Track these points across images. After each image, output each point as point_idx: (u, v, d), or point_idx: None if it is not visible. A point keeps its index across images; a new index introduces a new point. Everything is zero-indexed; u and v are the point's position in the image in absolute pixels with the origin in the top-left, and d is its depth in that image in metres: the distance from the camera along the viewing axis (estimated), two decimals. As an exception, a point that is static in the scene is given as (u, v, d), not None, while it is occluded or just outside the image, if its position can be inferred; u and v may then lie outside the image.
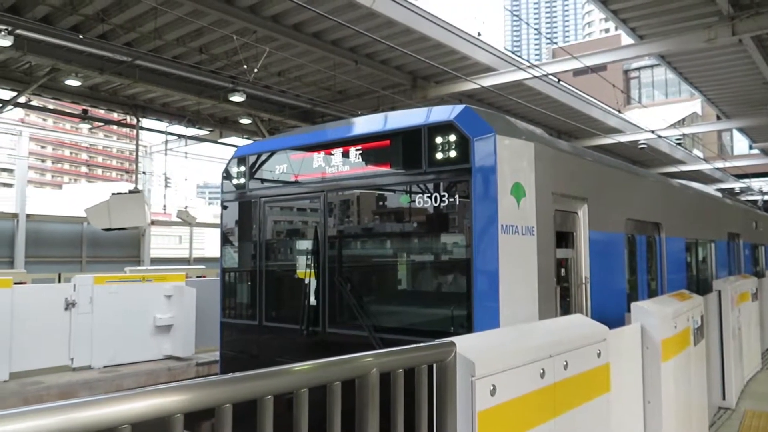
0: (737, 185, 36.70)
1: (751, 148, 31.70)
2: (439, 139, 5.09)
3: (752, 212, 16.63)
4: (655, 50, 14.37)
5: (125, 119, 19.76)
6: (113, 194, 17.76)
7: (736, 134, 36.37)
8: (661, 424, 4.28)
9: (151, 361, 10.50)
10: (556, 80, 16.43)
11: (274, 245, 6.90)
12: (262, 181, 6.80)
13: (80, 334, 9.85)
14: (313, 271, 6.03)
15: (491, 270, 4.78)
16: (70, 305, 9.82)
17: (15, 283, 9.46)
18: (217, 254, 7.52)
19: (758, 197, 37.27)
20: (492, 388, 2.50)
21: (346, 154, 5.88)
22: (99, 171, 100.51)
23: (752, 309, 9.29)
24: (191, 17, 12.07)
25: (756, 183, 37.13)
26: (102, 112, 20.28)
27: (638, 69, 53.50)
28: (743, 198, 34.05)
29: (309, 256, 6.09)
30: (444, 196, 5.11)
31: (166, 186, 24.94)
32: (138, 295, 10.65)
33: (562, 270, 5.82)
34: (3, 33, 11.08)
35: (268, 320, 6.58)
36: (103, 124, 21.83)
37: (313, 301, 6.03)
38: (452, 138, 5.02)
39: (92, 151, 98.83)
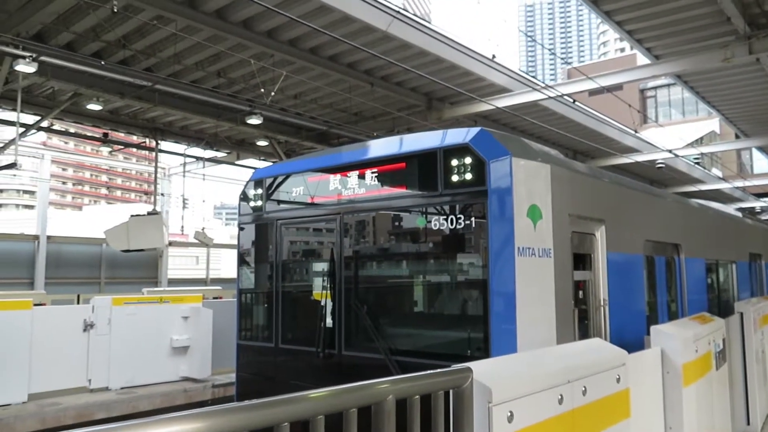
0: (758, 204, 36.17)
1: (771, 166, 31.31)
2: (454, 162, 5.11)
3: (774, 232, 16.36)
4: (672, 70, 14.33)
5: (144, 142, 20.06)
6: (132, 216, 17.96)
7: (756, 153, 35.96)
8: (683, 451, 4.19)
9: (167, 383, 10.51)
10: (572, 101, 16.42)
11: (290, 267, 6.93)
12: (279, 203, 6.86)
13: (98, 356, 9.91)
14: (329, 293, 6.03)
15: (508, 292, 4.76)
16: (88, 327, 9.90)
17: (34, 305, 9.57)
18: (234, 275, 7.57)
19: (780, 216, 36.68)
20: (509, 414, 2.47)
21: (362, 177, 5.91)
22: (118, 193, 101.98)
23: (776, 331, 9.09)
24: (210, 42, 12.30)
25: (777, 202, 36.57)
26: (122, 135, 20.60)
27: (655, 88, 53.28)
28: (765, 217, 33.55)
29: (325, 278, 6.10)
30: (460, 218, 5.11)
31: (184, 207, 25.17)
32: (155, 317, 10.71)
33: (580, 292, 5.76)
34: (28, 60, 11.37)
35: (284, 342, 6.58)
36: (123, 146, 22.17)
37: (329, 323, 6.02)
38: (468, 160, 5.03)
39: (112, 173, 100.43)
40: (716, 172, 35.79)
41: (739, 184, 33.39)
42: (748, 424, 7.03)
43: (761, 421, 7.24)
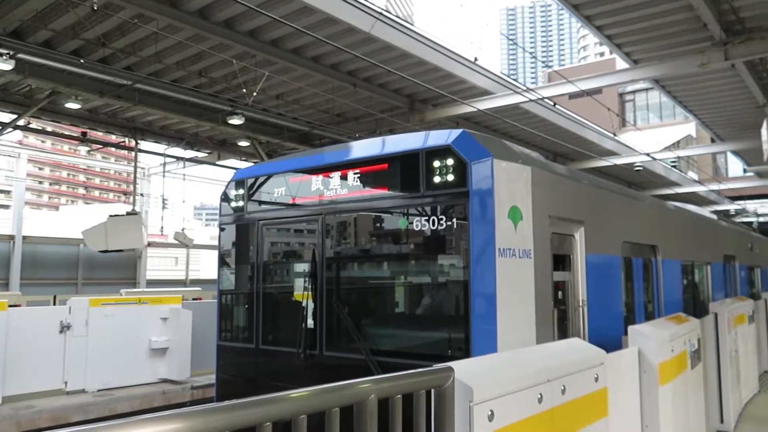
0: (732, 207, 36.88)
1: (745, 171, 31.95)
2: (436, 163, 5.14)
3: (747, 234, 16.70)
4: (650, 74, 14.55)
5: (124, 141, 19.83)
6: (110, 216, 17.74)
7: (731, 156, 36.66)
8: (659, 449, 4.26)
9: (145, 385, 10.41)
10: (552, 104, 16.60)
11: (271, 268, 6.91)
12: (261, 203, 6.83)
13: (74, 358, 9.78)
14: (310, 293, 6.02)
15: (489, 293, 4.80)
16: (65, 328, 9.76)
17: (9, 306, 9.41)
18: (214, 276, 7.52)
19: (753, 219, 37.45)
20: (490, 413, 2.50)
21: (344, 178, 5.92)
22: (96, 193, 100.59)
23: (749, 331, 9.29)
24: (191, 41, 12.20)
25: (751, 205, 37.34)
26: (101, 134, 20.33)
27: (633, 92, 54.03)
28: (738, 220, 34.21)
29: (306, 279, 6.09)
30: (442, 219, 5.14)
31: (164, 208, 24.90)
32: (133, 318, 10.59)
33: (560, 293, 5.83)
34: (5, 57, 11.18)
35: (265, 343, 6.56)
36: (101, 146, 21.88)
37: (310, 323, 6.01)
38: (450, 162, 5.07)
39: (90, 173, 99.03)
40: (692, 175, 36.40)
41: (714, 187, 34.00)
42: (722, 422, 7.17)
43: (734, 419, 7.39)
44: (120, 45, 12.78)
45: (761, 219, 38.95)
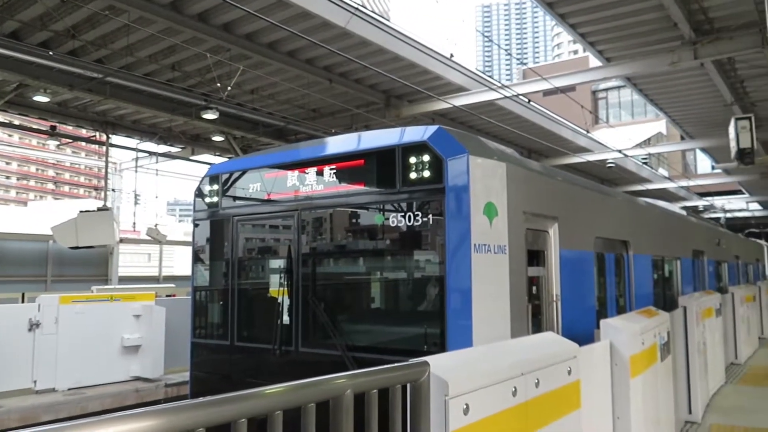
0: (701, 203, 37.71)
1: (713, 168, 32.68)
2: (412, 159, 5.16)
3: (715, 230, 17.09)
4: (622, 72, 14.78)
5: (94, 136, 19.46)
6: (81, 212, 17.41)
7: (700, 154, 37.45)
8: (630, 440, 4.34)
9: (118, 383, 10.25)
10: (527, 100, 16.75)
11: (246, 264, 6.86)
12: (235, 199, 6.77)
13: (44, 356, 9.58)
14: (286, 289, 6.00)
15: (464, 288, 4.83)
16: (33, 326, 9.55)
17: (-23, 304, 9.19)
18: (188, 273, 7.43)
19: (721, 215, 38.36)
20: (465, 407, 2.52)
21: (320, 173, 5.90)
22: (66, 188, 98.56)
23: (716, 324, 9.51)
24: (164, 35, 12.02)
25: (719, 201, 38.23)
26: (70, 128, 19.93)
27: (606, 90, 54.83)
28: (707, 216, 34.98)
29: (282, 275, 6.07)
30: (418, 215, 5.16)
31: (136, 203, 24.56)
32: (105, 315, 10.41)
33: (534, 288, 5.90)
34: (-31, 48, 10.89)
35: (240, 340, 6.51)
36: (71, 140, 21.44)
37: (286, 320, 5.99)
38: (426, 158, 5.08)
39: (59, 168, 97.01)
40: (663, 171, 37.11)
41: (684, 183, 34.72)
42: (690, 412, 7.34)
43: (702, 409, 7.57)
44: (90, 37, 12.53)
45: (728, 215, 39.92)
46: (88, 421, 1.51)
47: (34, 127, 21.02)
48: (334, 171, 5.79)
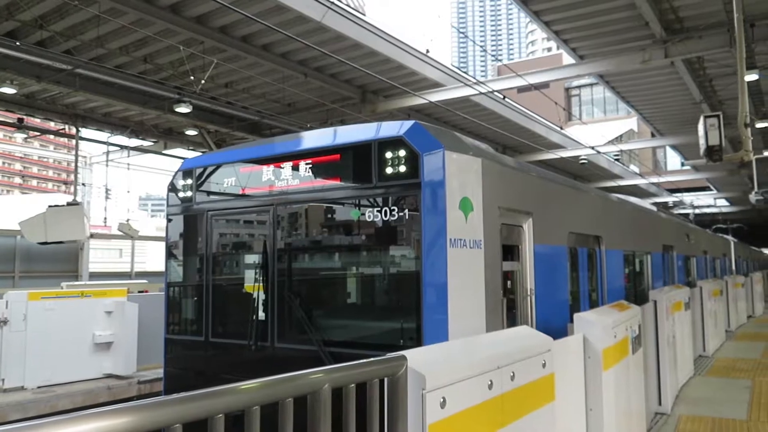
0: (671, 199, 38.48)
1: (683, 164, 33.35)
2: (388, 154, 5.15)
3: (685, 225, 17.47)
4: (594, 70, 14.99)
5: (64, 129, 19.04)
6: (50, 206, 17.03)
7: (670, 151, 38.17)
8: (602, 431, 4.42)
9: (90, 380, 10.09)
10: (502, 97, 16.89)
11: (221, 259, 6.79)
12: (209, 194, 6.69)
13: (12, 353, 9.38)
14: (261, 285, 5.96)
15: (440, 283, 4.86)
16: (1, 323, 9.35)
17: (-59, 301, 8.94)
18: (161, 268, 7.33)
19: (690, 211, 39.21)
20: (442, 400, 2.54)
21: (295, 168, 5.86)
22: (34, 182, 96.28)
23: (685, 317, 9.73)
24: (135, 26, 11.80)
25: (688, 197, 39.05)
26: (38, 120, 19.48)
27: (579, 87, 55.54)
28: (676, 212, 35.73)
29: (257, 270, 6.02)
30: (393, 210, 5.16)
31: (107, 198, 24.10)
32: (75, 312, 10.23)
33: (509, 282, 5.96)
34: (-68, 37, 10.55)
35: (214, 336, 6.45)
36: (39, 133, 20.97)
37: (261, 315, 5.95)
38: (402, 153, 5.09)
39: (27, 162, 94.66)
40: (634, 168, 37.76)
41: (654, 180, 35.38)
42: (660, 404, 7.51)
43: (671, 401, 7.75)
44: (59, 28, 12.24)
45: (697, 211, 40.81)
46: (57, 419, 1.48)
47: (1, 119, 20.46)
48: (310, 166, 5.77)
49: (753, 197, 21.48)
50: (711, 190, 37.79)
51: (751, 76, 12.33)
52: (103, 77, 14.29)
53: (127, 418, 1.57)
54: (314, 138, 6.02)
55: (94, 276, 22.71)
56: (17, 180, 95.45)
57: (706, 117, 9.45)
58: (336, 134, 5.86)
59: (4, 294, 9.89)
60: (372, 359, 2.34)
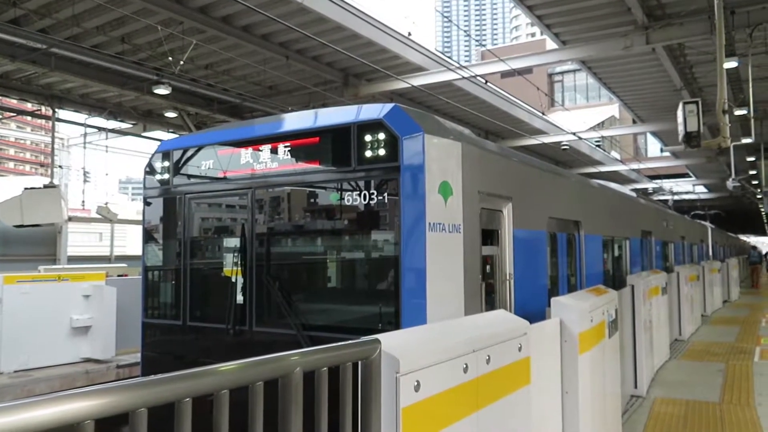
0: (650, 186, 38.90)
1: (662, 150, 33.70)
2: (368, 137, 5.11)
3: (663, 211, 17.68)
4: (577, 55, 14.99)
5: (40, 110, 18.66)
6: (26, 189, 16.74)
7: (650, 138, 38.51)
8: (578, 413, 4.48)
9: (67, 365, 10.00)
10: (484, 81, 16.85)
11: (199, 243, 6.72)
12: (188, 176, 6.60)
13: (-12, 338, 9.25)
14: (240, 269, 5.92)
15: (419, 267, 4.85)
16: (-24, 307, 9.19)
17: None
18: (140, 252, 7.25)
19: (668, 197, 39.69)
20: (416, 384, 2.53)
21: (274, 151, 5.80)
22: (11, 164, 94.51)
23: (662, 302, 9.88)
24: (112, 5, 11.54)
25: (667, 184, 39.52)
26: (14, 101, 19.05)
27: (562, 73, 55.72)
28: (655, 198, 36.15)
29: (236, 254, 5.97)
30: (373, 194, 5.13)
31: (85, 181, 23.72)
32: (53, 295, 10.10)
33: (487, 267, 5.98)
34: None
35: (192, 320, 6.41)
36: (15, 114, 20.53)
37: (239, 299, 5.91)
38: (381, 136, 5.05)
39: (3, 143, 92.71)
40: (615, 154, 38.07)
41: (635, 166, 35.71)
42: (636, 387, 7.63)
43: (647, 384, 7.88)
44: (33, 6, 11.94)
45: (676, 197, 41.32)
46: (25, 402, 1.45)
47: (-26, 99, 19.99)
48: (289, 149, 5.71)
49: (730, 184, 21.81)
50: (690, 176, 38.26)
51: (731, 63, 12.42)
52: (79, 57, 13.99)
53: (90, 401, 1.53)
54: (293, 120, 5.96)
55: (72, 260, 22.41)
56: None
57: (685, 103, 9.53)
58: (316, 117, 5.80)
59: (-21, 278, 9.72)
60: (345, 343, 2.33)
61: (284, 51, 14.65)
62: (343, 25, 13.11)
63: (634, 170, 36.16)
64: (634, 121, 25.12)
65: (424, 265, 4.84)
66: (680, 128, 9.53)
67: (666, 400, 7.38)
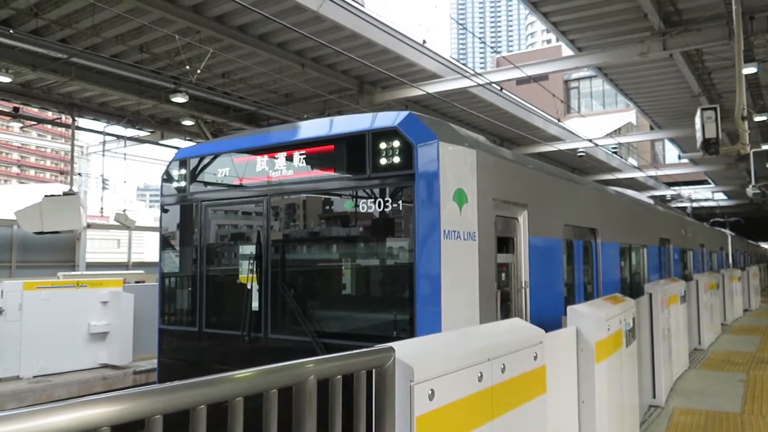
0: (668, 192, 38.46)
1: (680, 157, 33.33)
2: (383, 145, 5.12)
3: (681, 219, 17.47)
4: (593, 62, 14.91)
5: (60, 118, 18.96)
6: (46, 196, 16.99)
7: (668, 144, 38.13)
8: (594, 424, 4.42)
9: (85, 370, 10.09)
10: (500, 88, 16.82)
11: (215, 250, 6.77)
12: (204, 184, 6.66)
13: (8, 343, 9.37)
14: (255, 276, 5.94)
15: (433, 275, 4.84)
16: (-4, 312, 9.33)
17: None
18: (157, 259, 7.32)
19: (687, 204, 39.22)
20: (430, 392, 2.52)
21: (290, 158, 5.83)
22: (31, 172, 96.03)
23: (681, 311, 9.74)
24: (131, 15, 11.71)
25: (685, 191, 39.05)
26: (35, 110, 19.37)
27: (578, 80, 55.39)
28: (673, 205, 35.73)
29: (251, 261, 6.00)
30: (387, 201, 5.14)
31: (104, 188, 24.02)
32: (71, 302, 10.22)
33: (503, 274, 5.94)
34: (-75, 24, 10.46)
35: (208, 327, 6.44)
36: (36, 122, 20.87)
37: (255, 306, 5.94)
38: (396, 144, 5.06)
39: (24, 151, 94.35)
40: (632, 161, 37.72)
41: (652, 173, 35.34)
42: (654, 397, 7.52)
43: (665, 394, 7.76)
44: (54, 16, 12.16)
45: (694, 204, 40.83)
46: (44, 408, 1.47)
47: (-3, 108, 20.36)
48: (304, 156, 5.74)
49: (750, 191, 21.48)
50: (709, 183, 37.77)
51: (749, 69, 12.27)
52: (98, 66, 14.20)
53: (107, 408, 1.55)
54: (309, 128, 5.99)
55: (91, 266, 22.68)
56: (15, 170, 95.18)
57: (703, 110, 9.43)
58: (331, 125, 5.82)
59: (0, 283, 9.86)
60: (359, 351, 2.33)
61: (300, 59, 14.75)
62: (359, 33, 13.18)
63: (651, 177, 35.78)
64: (651, 128, 24.88)
65: (438, 273, 4.82)
66: (698, 135, 9.42)
67: (685, 410, 7.26)
